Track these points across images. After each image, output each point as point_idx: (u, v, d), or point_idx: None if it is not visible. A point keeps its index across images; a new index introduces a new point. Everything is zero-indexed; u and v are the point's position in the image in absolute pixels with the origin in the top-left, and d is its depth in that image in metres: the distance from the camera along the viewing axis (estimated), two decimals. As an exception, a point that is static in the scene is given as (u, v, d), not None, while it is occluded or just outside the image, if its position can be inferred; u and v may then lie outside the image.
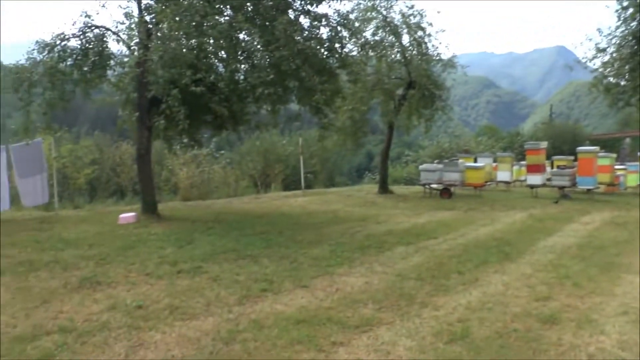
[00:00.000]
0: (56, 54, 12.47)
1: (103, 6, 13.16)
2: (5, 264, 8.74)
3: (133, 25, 13.19)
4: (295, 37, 12.25)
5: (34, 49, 12.51)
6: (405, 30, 20.59)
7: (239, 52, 12.45)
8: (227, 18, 12.29)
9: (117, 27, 13.21)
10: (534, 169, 21.13)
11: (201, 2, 11.62)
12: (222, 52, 12.42)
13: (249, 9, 12.41)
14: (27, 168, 14.56)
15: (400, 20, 20.51)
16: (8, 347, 5.17)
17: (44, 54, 12.46)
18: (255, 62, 12.39)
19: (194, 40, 11.78)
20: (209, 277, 7.61)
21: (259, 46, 12.37)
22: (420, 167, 22.70)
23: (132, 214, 13.10)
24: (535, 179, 20.96)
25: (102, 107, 17.57)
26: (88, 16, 12.82)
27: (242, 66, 12.98)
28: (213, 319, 5.85)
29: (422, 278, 7.70)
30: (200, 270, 8.04)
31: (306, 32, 12.92)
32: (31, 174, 14.65)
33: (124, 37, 13.33)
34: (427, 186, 21.22)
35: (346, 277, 7.74)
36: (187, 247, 9.78)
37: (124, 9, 13.07)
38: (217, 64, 13.01)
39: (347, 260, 8.88)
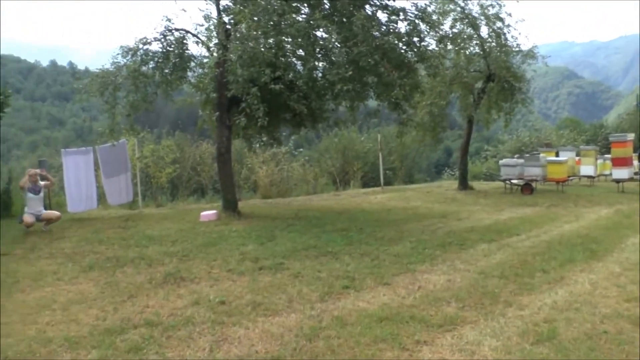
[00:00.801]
0: (139, 58, 12.80)
1: (183, 10, 13.47)
2: (94, 260, 9.05)
3: (212, 27, 13.42)
4: (373, 33, 12.13)
5: (118, 54, 12.89)
6: (483, 22, 20.05)
7: (317, 50, 12.42)
8: (304, 16, 12.29)
9: (196, 29, 13.54)
10: (620, 162, 20.23)
11: (279, 1, 11.67)
12: (300, 50, 12.42)
13: (326, 6, 12.38)
14: (113, 168, 15.05)
15: (479, 11, 20.01)
16: (98, 339, 5.32)
17: (128, 58, 12.81)
18: (334, 59, 12.33)
19: (272, 39, 11.84)
20: (290, 274, 7.62)
21: (336, 43, 12.31)
22: (501, 162, 22.11)
23: (213, 211, 13.31)
24: (621, 172, 20.07)
25: (181, 108, 17.95)
26: (169, 20, 13.11)
27: (320, 63, 12.96)
28: (295, 316, 5.83)
29: (505, 276, 7.46)
30: (281, 266, 8.06)
31: (384, 27, 12.76)
32: (116, 173, 15.13)
33: (204, 38, 13.61)
34: (507, 182, 20.64)
35: (428, 275, 7.59)
36: (268, 244, 9.84)
37: (203, 11, 13.32)
38: (295, 62, 13.04)
39: (429, 257, 8.72)
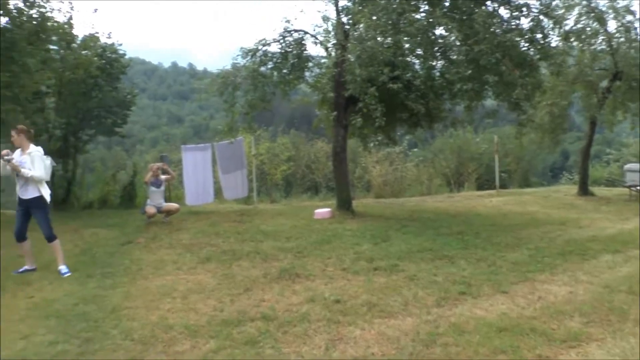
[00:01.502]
0: (258, 59, 13.08)
1: (302, 11, 13.66)
2: (211, 252, 9.33)
3: (330, 27, 13.50)
4: (495, 30, 11.74)
5: (238, 55, 13.27)
6: (611, 16, 18.86)
7: (436, 48, 12.19)
8: (423, 14, 12.09)
9: (314, 30, 13.67)
10: None
11: (398, 0, 11.54)
12: (419, 49, 12.24)
13: (446, 3, 12.12)
14: (230, 164, 15.51)
15: (607, 4, 18.84)
16: (216, 329, 5.46)
17: (247, 59, 13.13)
18: (453, 57, 12.05)
19: (390, 39, 11.73)
20: (405, 276, 7.48)
21: (456, 41, 12.02)
22: (625, 167, 20.79)
23: (327, 209, 13.37)
24: None
25: (296, 107, 18.26)
26: (288, 21, 13.34)
27: (439, 62, 12.72)
28: (412, 319, 5.71)
29: (633, 292, 6.87)
30: (396, 268, 7.94)
31: (505, 24, 12.32)
32: (233, 170, 15.58)
33: (322, 39, 13.71)
34: (632, 188, 19.41)
35: (548, 285, 7.19)
36: (382, 245, 9.73)
37: (322, 12, 13.43)
38: (413, 61, 12.86)
39: (548, 266, 8.26)
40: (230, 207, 15.92)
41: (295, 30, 13.39)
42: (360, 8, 11.89)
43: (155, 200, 12.97)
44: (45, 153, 9.49)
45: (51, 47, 13.47)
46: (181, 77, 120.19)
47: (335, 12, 13.30)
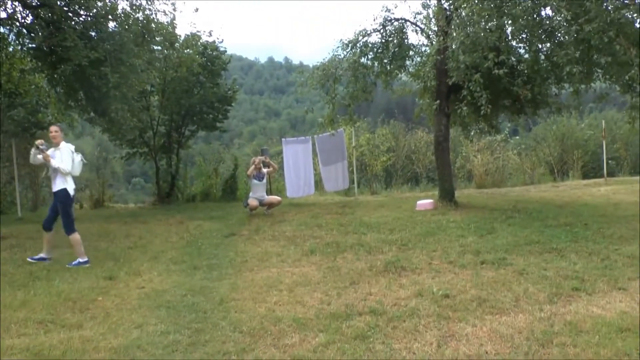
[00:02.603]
0: (358, 50, 13.01)
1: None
2: (314, 244, 9.36)
3: (431, 14, 13.21)
4: (607, 7, 11.06)
5: (338, 47, 13.25)
6: None
7: (540, 31, 11.65)
8: (528, -6, 11.57)
9: (415, 17, 13.40)
10: None
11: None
12: (524, 32, 11.73)
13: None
14: (330, 156, 15.56)
15: None
16: (324, 323, 5.43)
17: (347, 50, 13.08)
18: (561, 38, 11.47)
19: (493, 22, 11.31)
20: (514, 270, 7.17)
21: (563, 22, 11.43)
22: None
23: (430, 200, 13.13)
24: None
25: (396, 97, 18.04)
26: (388, 10, 13.13)
27: (544, 45, 12.15)
28: (524, 316, 5.44)
29: None
30: (504, 262, 7.63)
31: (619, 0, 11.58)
32: (333, 161, 15.62)
33: (422, 26, 13.44)
34: None
35: (672, 282, 6.68)
36: (488, 237, 9.41)
37: (422, -1, 13.15)
38: (517, 44, 12.36)
39: (670, 261, 7.70)
40: (331, 199, 15.97)
41: (396, 19, 13.20)
42: (462, -8, 11.55)
43: (257, 192, 13.17)
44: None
45: (155, 47, 13.89)
46: (277, 71, 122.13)
47: (436, -3, 13.00)
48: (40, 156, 8.65)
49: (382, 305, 5.82)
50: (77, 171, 8.93)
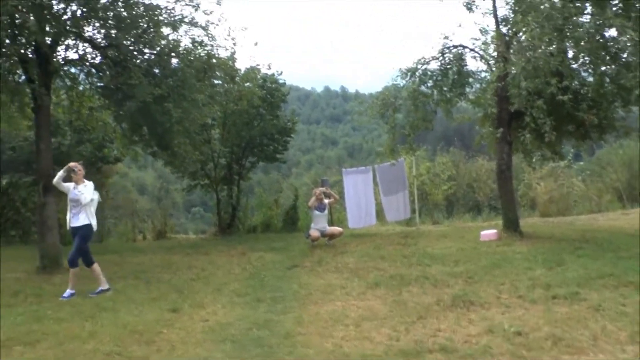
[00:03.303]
0: (417, 78, 12.96)
1: (459, 25, 13.31)
2: (378, 277, 9.23)
3: (489, 40, 13.05)
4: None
5: (397, 76, 13.22)
6: None
7: (605, 53, 11.35)
8: (588, 16, 11.31)
9: (474, 43, 13.23)
10: None
11: (560, 3, 10.89)
12: (586, 55, 11.46)
13: (615, 1, 11.24)
14: (391, 186, 15.49)
15: None
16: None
17: (407, 79, 13.03)
18: (627, 60, 11.12)
19: (553, 46, 11.09)
20: (589, 306, 6.84)
21: (628, 43, 11.10)
22: None
23: (494, 231, 12.82)
24: None
25: (455, 124, 17.91)
26: (446, 37, 13.05)
27: (610, 67, 11.82)
28: (604, 357, 5.18)
29: None
30: (577, 296, 7.28)
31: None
32: (394, 191, 15.53)
33: (482, 52, 13.28)
34: None
35: None
36: (557, 269, 9.04)
37: (479, 24, 13.00)
38: (581, 68, 12.07)
39: None
40: (393, 229, 15.83)
41: (454, 46, 13.09)
42: (521, 17, 11.37)
43: (319, 224, 13.16)
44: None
45: (216, 82, 14.14)
46: (334, 100, 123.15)
47: (494, 23, 12.83)
48: (66, 184, 9.15)
49: (452, 343, 5.66)
50: (94, 208, 9.36)
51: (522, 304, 7.11)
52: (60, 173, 9.20)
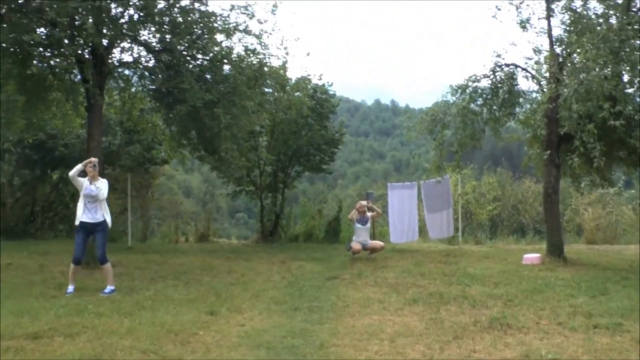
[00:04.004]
0: (467, 95, 12.91)
1: (513, 44, 13.18)
2: (417, 293, 9.17)
3: (542, 60, 12.91)
4: None
5: (447, 92, 13.23)
6: None
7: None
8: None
9: (526, 63, 13.12)
10: None
11: (618, 25, 10.69)
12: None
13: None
14: (436, 203, 15.42)
15: None
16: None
17: (457, 96, 12.99)
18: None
19: (608, 69, 10.88)
20: (632, 338, 6.61)
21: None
22: None
23: (537, 255, 12.63)
24: None
25: (503, 144, 17.77)
26: (498, 55, 12.97)
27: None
28: (646, 391, 5.05)
29: None
30: (620, 327, 7.05)
31: None
32: (439, 209, 15.45)
33: (534, 72, 13.14)
34: None
35: None
36: (600, 298, 8.82)
37: (533, 43, 12.89)
38: (635, 93, 11.82)
39: None
40: (435, 246, 15.73)
41: (506, 65, 13.00)
42: (576, 37, 11.22)
43: (360, 237, 13.17)
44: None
45: (267, 90, 14.31)
46: (383, 113, 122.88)
47: (548, 43, 12.68)
48: (80, 179, 9.34)
49: (487, 365, 5.59)
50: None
51: (562, 331, 6.97)
52: (79, 167, 9.39)
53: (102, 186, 9.36)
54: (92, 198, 9.32)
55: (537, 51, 12.95)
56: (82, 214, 9.32)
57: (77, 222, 9.38)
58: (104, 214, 9.43)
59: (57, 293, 8.96)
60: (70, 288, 9.10)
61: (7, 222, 16.56)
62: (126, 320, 7.23)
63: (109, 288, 9.20)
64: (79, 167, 9.39)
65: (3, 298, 8.47)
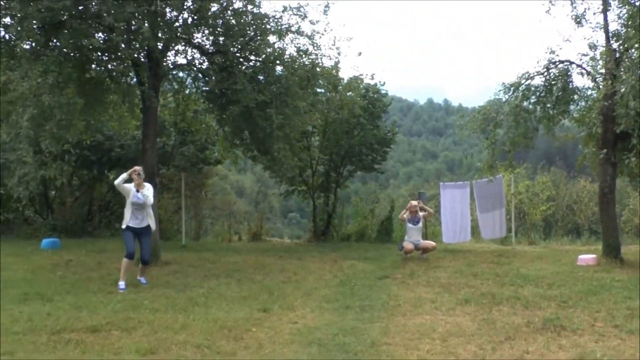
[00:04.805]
0: (520, 93, 12.73)
1: (567, 40, 12.90)
2: (469, 294, 9.12)
3: (597, 56, 12.64)
4: None
5: (500, 91, 13.06)
6: None
7: None
8: None
9: (581, 59, 12.83)
10: None
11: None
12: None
13: None
14: (488, 203, 15.24)
15: None
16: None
17: (509, 94, 12.84)
18: None
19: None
20: (690, 341, 6.51)
21: None
22: None
23: (592, 256, 12.38)
24: None
25: (556, 143, 17.48)
26: (552, 52, 12.73)
27: None
28: None
29: None
30: (680, 331, 6.93)
31: None
32: (491, 209, 15.26)
33: (589, 69, 12.87)
34: None
35: None
36: (659, 301, 8.65)
37: (588, 39, 12.61)
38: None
39: None
40: (487, 247, 15.58)
41: (560, 61, 12.75)
42: (634, 32, 10.95)
43: (412, 236, 13.15)
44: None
45: (319, 90, 14.37)
46: (436, 113, 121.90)
47: (604, 38, 12.40)
48: (127, 185, 9.71)
49: (540, 366, 5.54)
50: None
51: (618, 333, 6.82)
52: (124, 175, 9.74)
53: (148, 193, 9.73)
54: (140, 206, 9.72)
55: (592, 47, 12.64)
56: (130, 220, 9.72)
57: (123, 226, 9.80)
58: (149, 220, 9.87)
59: (114, 289, 9.27)
60: (122, 284, 9.39)
61: (66, 221, 17.11)
62: (180, 316, 7.45)
63: (123, 283, 9.51)
64: (124, 175, 9.75)
65: (64, 293, 8.86)
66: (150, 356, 5.81)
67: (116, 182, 9.85)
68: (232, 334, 6.69)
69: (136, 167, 9.82)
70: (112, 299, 8.53)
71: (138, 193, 9.65)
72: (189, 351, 6.00)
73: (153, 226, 10.01)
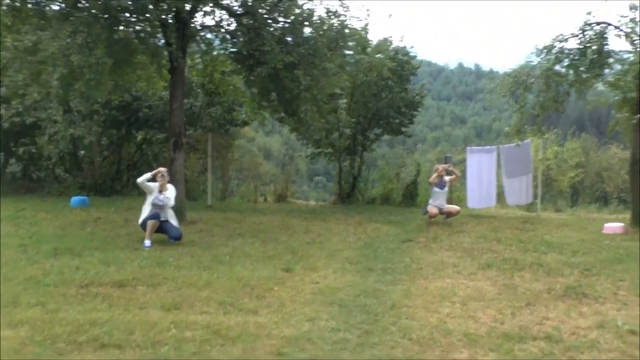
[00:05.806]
0: (553, 56, 12.46)
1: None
2: (492, 259, 9.11)
3: (638, 18, 12.28)
4: None
5: (532, 53, 12.84)
6: None
7: None
8: None
9: (619, 21, 12.47)
10: None
11: None
12: None
13: None
14: (515, 168, 15.03)
15: None
16: (496, 342, 5.27)
17: (541, 56, 12.59)
18: None
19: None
20: None
21: None
22: None
23: (619, 224, 12.22)
24: None
25: (588, 108, 17.13)
26: (589, 13, 12.41)
27: None
28: None
29: None
30: None
31: None
32: (518, 174, 15.07)
33: (628, 30, 12.50)
34: None
35: None
36: (686, 271, 8.53)
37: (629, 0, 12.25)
38: None
39: None
40: (512, 212, 15.48)
41: (597, 23, 12.40)
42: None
43: (437, 200, 13.09)
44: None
45: (348, 52, 14.24)
46: (466, 77, 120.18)
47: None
48: (151, 184, 9.88)
49: (558, 332, 5.52)
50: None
51: (641, 302, 6.78)
52: (148, 175, 9.90)
53: (170, 195, 9.90)
54: (160, 207, 9.85)
55: (633, 8, 12.30)
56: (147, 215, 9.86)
57: (140, 221, 9.96)
58: (169, 218, 10.01)
59: (140, 246, 9.45)
60: (147, 242, 9.53)
61: (95, 179, 17.35)
62: (205, 274, 7.59)
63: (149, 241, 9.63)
64: (147, 175, 9.90)
65: (92, 249, 9.05)
66: (175, 311, 5.94)
67: (139, 180, 9.96)
68: (254, 292, 6.81)
69: (161, 169, 9.99)
70: (138, 255, 8.72)
71: (160, 195, 9.81)
72: (212, 307, 6.12)
73: (175, 224, 10.09)
